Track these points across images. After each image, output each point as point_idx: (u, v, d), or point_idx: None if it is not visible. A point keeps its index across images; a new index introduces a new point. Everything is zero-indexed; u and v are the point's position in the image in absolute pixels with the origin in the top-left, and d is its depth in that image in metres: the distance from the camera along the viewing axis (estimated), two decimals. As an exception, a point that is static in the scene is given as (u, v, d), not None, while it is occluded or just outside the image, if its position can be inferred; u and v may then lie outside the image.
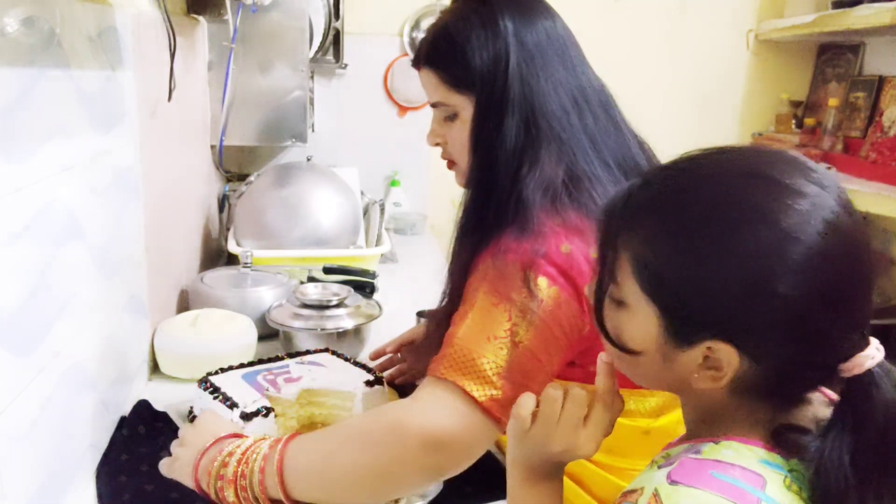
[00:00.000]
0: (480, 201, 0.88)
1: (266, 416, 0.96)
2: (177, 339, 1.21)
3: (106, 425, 1.00)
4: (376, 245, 1.84)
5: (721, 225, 0.54)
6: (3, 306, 0.68)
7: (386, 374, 1.21)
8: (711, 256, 0.54)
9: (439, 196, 2.35)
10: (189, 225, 1.59)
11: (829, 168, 2.22)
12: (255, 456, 0.82)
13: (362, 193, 1.98)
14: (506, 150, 0.85)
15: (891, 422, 0.54)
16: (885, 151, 2.12)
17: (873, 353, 0.54)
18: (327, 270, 1.52)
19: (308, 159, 1.91)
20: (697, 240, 0.55)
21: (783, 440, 0.56)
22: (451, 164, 0.97)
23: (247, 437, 0.87)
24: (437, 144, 0.97)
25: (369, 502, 0.82)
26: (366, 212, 1.96)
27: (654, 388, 0.65)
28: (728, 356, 0.55)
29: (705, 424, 0.61)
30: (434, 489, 0.90)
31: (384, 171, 2.37)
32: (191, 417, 1.02)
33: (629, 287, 0.59)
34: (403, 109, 2.34)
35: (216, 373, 1.05)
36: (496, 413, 0.77)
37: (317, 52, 2.10)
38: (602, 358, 0.65)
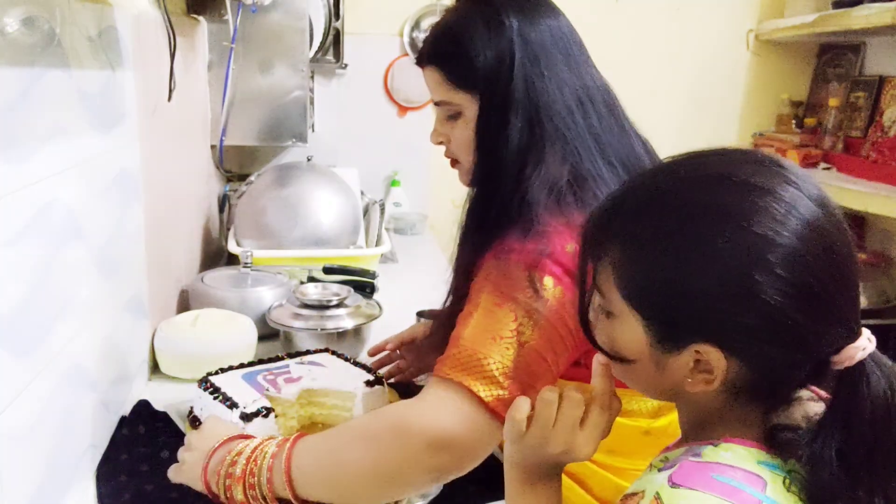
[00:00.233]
0: (484, 201, 0.87)
1: (266, 416, 0.96)
2: (177, 340, 1.21)
3: (106, 425, 1.00)
4: (376, 245, 1.84)
5: (695, 230, 0.54)
6: (3, 306, 0.68)
7: (383, 370, 1.21)
8: (688, 262, 0.54)
9: (439, 196, 2.35)
10: (189, 225, 1.59)
11: (827, 168, 2.22)
12: (263, 455, 0.82)
13: (362, 193, 1.98)
14: (510, 149, 0.85)
15: (879, 416, 0.53)
16: (885, 151, 2.12)
17: (864, 345, 0.54)
18: (327, 270, 1.52)
19: (308, 159, 1.91)
20: (672, 247, 0.55)
21: (777, 440, 0.56)
22: (455, 163, 0.96)
23: (254, 437, 0.87)
24: (441, 143, 0.96)
25: (375, 502, 0.82)
26: (366, 212, 1.96)
27: (651, 396, 0.65)
28: (716, 359, 0.55)
29: (701, 428, 0.61)
30: (435, 489, 0.90)
31: (384, 171, 2.37)
32: (191, 417, 1.02)
33: (614, 297, 0.59)
34: (403, 109, 2.34)
35: (216, 373, 1.05)
36: (503, 413, 0.76)
37: (317, 52, 2.10)
38: (598, 359, 0.65)
